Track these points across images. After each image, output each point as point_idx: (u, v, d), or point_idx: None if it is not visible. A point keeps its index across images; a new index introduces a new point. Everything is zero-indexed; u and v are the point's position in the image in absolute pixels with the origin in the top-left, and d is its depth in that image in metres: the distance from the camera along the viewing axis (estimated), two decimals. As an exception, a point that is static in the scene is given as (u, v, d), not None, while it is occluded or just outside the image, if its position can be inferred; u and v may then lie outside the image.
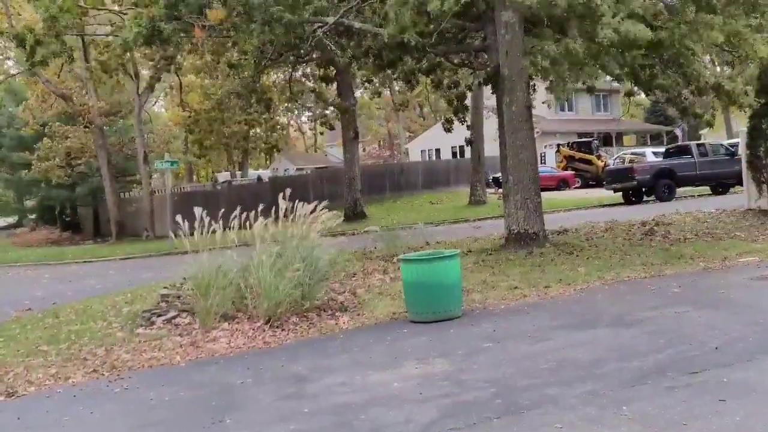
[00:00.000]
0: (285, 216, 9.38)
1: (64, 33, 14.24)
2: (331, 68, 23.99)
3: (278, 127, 34.41)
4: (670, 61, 11.88)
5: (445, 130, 22.04)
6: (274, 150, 42.31)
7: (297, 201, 9.34)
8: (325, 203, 9.57)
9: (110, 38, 20.62)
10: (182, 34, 13.32)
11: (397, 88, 38.91)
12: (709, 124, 18.95)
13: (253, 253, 8.98)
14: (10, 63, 36.68)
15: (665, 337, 6.59)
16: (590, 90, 18.52)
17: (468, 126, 23.93)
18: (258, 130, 34.23)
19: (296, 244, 9.08)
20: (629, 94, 16.60)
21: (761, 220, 14.34)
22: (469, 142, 27.22)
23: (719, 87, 12.33)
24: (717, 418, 4.54)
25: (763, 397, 4.87)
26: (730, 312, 7.45)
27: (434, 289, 8.23)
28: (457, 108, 19.60)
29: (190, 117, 35.77)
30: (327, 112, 28.99)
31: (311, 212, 9.41)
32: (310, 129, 29.53)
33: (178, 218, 9.14)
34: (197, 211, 8.93)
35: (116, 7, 22.87)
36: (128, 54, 16.24)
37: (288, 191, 9.24)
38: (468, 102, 23.42)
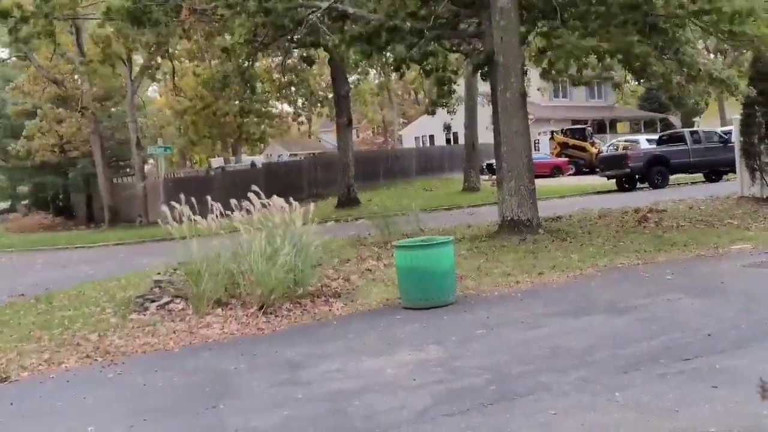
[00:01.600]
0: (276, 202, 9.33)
1: (54, 14, 14.04)
2: (324, 52, 23.78)
3: (270, 114, 34.17)
4: (665, 48, 11.82)
5: (428, 113, 21.89)
6: (263, 141, 42.14)
7: (290, 188, 9.33)
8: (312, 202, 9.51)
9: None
10: (172, 17, 13.18)
11: (392, 75, 38.78)
12: (701, 111, 18.96)
13: (244, 239, 8.96)
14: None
15: (658, 324, 6.61)
16: (576, 82, 18.14)
17: (453, 123, 23.69)
18: (249, 119, 33.96)
19: (285, 230, 9.02)
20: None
21: (754, 208, 14.39)
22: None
23: (713, 76, 12.24)
24: (709, 405, 4.56)
25: (755, 384, 4.88)
26: (723, 299, 7.48)
27: (428, 275, 8.22)
28: (442, 92, 19.27)
29: (184, 103, 35.53)
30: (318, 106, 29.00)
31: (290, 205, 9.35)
32: (304, 116, 29.36)
33: (172, 204, 9.09)
34: (186, 196, 8.89)
35: None
36: (114, 38, 15.97)
37: (281, 177, 9.22)
38: (460, 89, 23.26)
